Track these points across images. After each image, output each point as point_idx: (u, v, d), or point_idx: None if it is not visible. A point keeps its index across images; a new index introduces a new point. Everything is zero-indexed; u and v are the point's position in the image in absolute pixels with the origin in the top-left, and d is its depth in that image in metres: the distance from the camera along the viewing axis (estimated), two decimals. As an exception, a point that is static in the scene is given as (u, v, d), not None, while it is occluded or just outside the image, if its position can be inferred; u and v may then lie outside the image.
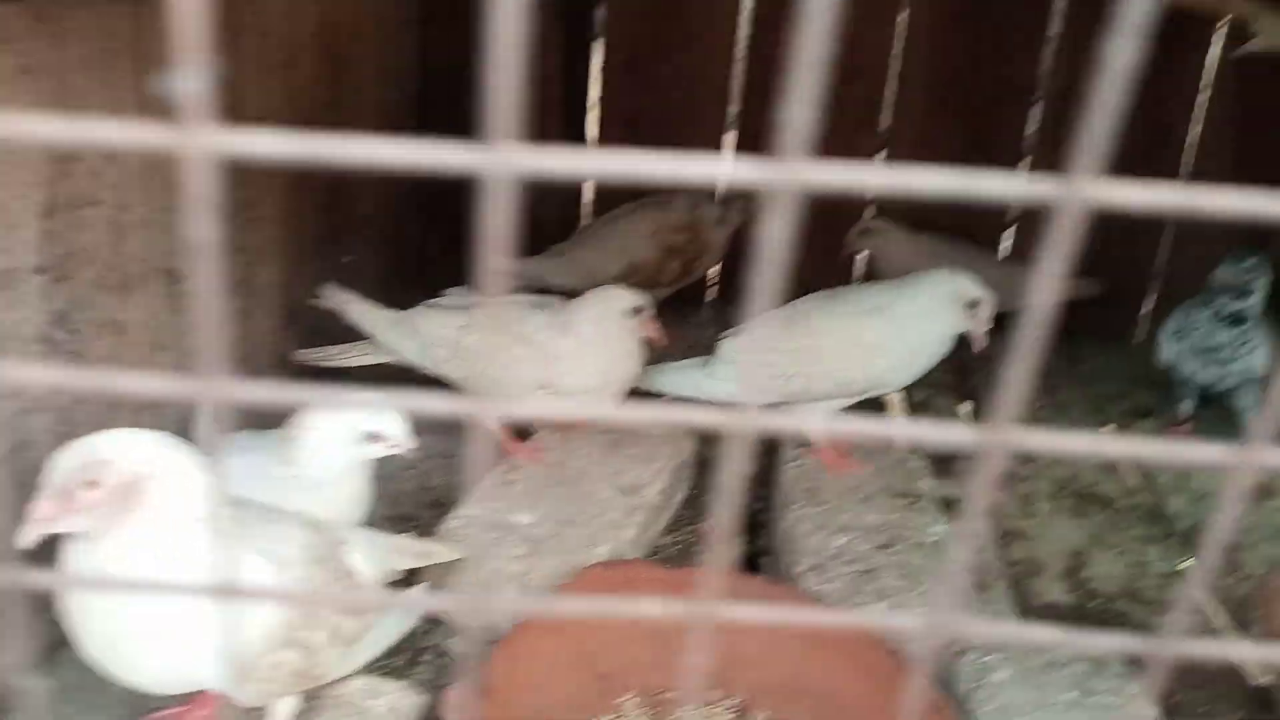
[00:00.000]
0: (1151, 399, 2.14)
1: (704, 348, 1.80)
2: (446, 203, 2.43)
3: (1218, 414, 1.95)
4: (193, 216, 0.26)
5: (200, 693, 1.07)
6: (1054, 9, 2.30)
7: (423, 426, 1.84)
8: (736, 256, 2.41)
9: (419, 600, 0.43)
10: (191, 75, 0.24)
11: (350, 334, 1.67)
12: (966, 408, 2.15)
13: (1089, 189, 0.24)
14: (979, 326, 1.56)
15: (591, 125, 2.50)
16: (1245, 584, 1.57)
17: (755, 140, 2.42)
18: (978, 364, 2.23)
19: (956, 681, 1.23)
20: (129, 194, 1.25)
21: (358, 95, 1.91)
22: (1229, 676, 1.40)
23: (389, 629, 1.18)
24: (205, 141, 0.25)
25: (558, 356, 1.51)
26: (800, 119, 0.24)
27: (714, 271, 2.54)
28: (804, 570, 1.41)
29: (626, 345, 1.54)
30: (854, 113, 2.37)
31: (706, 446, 1.81)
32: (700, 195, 2.28)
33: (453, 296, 1.63)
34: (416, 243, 2.39)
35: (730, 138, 2.46)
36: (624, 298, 1.55)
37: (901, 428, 0.30)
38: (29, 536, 0.83)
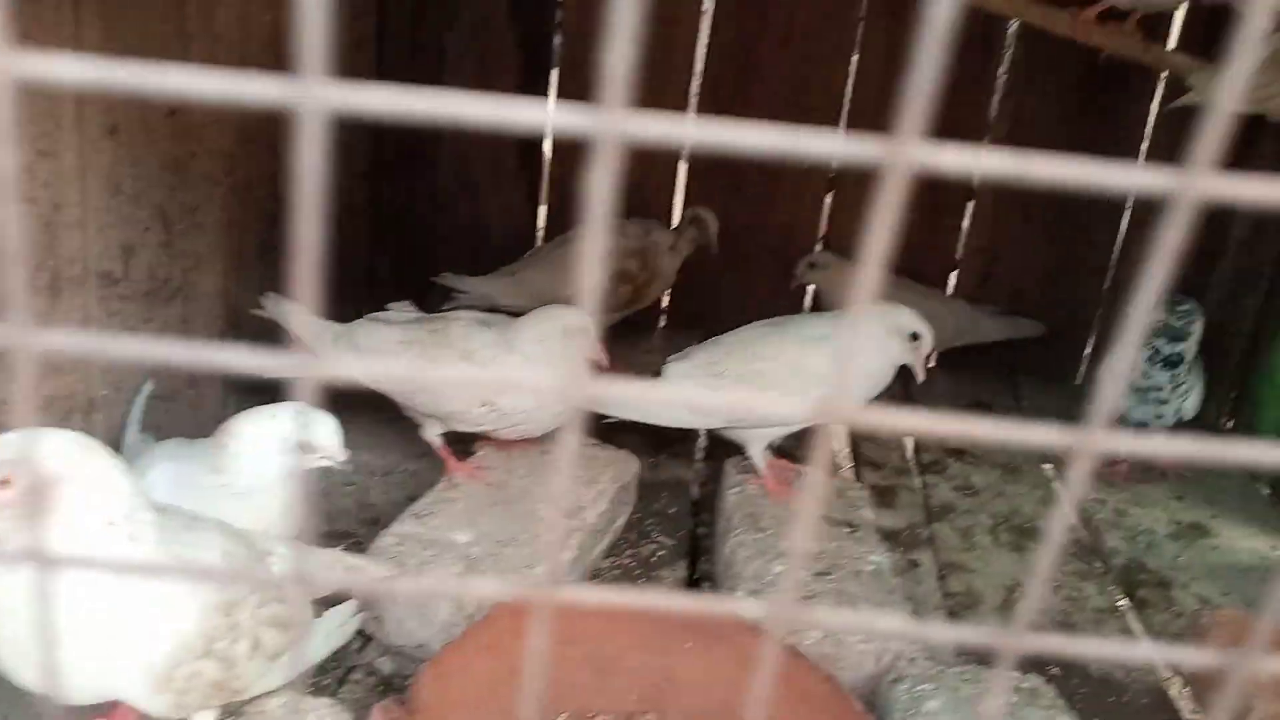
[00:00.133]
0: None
1: (653, 373, 1.80)
2: (396, 215, 2.42)
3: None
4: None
5: (115, 703, 1.03)
6: (1002, 54, 2.36)
7: (363, 443, 1.82)
8: (688, 285, 2.42)
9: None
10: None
11: (294, 345, 1.64)
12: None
13: (913, 151, 0.24)
14: (919, 359, 1.58)
15: (547, 152, 2.51)
16: (1179, 621, 1.59)
17: (710, 168, 2.44)
18: (921, 397, 2.26)
19: (890, 711, 1.23)
20: (64, 192, 1.22)
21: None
22: (1162, 707, 1.41)
23: (317, 645, 1.15)
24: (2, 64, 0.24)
25: (500, 374, 1.49)
26: (619, 66, 0.24)
27: (665, 299, 2.54)
28: (742, 596, 1.40)
29: (570, 365, 1.53)
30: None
31: (648, 470, 1.80)
32: (653, 222, 2.29)
33: (395, 311, 1.61)
34: (365, 255, 2.37)
35: (683, 167, 2.48)
36: (569, 317, 1.54)
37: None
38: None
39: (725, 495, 1.64)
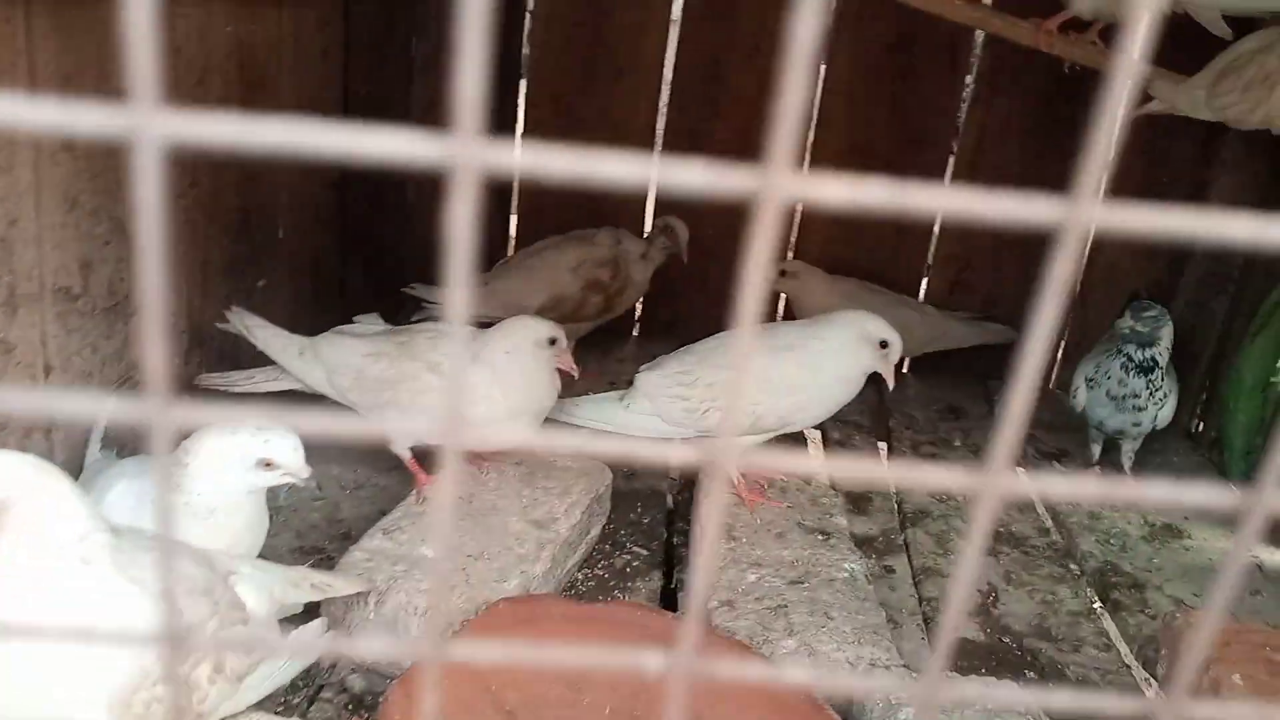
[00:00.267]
0: (1064, 442, 2.18)
1: (626, 382, 1.79)
2: (367, 227, 2.40)
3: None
4: None
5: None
6: (969, 63, 2.37)
7: (332, 457, 1.80)
8: (660, 293, 2.42)
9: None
10: None
11: (261, 359, 1.62)
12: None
13: (785, 184, 0.24)
14: (889, 367, 1.58)
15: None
16: (1153, 623, 1.59)
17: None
18: (894, 405, 2.26)
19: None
20: (20, 207, 1.20)
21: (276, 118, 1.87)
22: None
23: (284, 665, 1.13)
24: None
25: (468, 386, 1.48)
26: (470, 93, 0.23)
27: (638, 308, 2.54)
28: (716, 606, 1.39)
29: (540, 376, 1.52)
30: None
31: (623, 480, 1.79)
32: (624, 231, 2.28)
33: (361, 323, 1.59)
34: (335, 269, 2.34)
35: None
36: (538, 328, 1.53)
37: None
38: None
39: (700, 504, 1.63)
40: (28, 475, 0.83)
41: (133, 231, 1.43)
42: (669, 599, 1.58)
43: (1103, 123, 0.23)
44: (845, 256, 2.42)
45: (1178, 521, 1.91)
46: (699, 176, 0.24)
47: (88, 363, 1.39)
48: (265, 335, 1.55)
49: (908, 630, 1.52)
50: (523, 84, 2.44)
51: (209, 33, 1.59)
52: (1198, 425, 2.31)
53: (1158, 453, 2.13)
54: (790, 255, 2.46)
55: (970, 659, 1.48)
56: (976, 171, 2.40)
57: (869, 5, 2.30)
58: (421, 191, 2.46)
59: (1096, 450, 2.04)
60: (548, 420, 1.62)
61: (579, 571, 1.58)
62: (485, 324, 1.62)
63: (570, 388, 1.65)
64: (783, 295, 2.43)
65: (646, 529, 1.72)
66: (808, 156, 2.43)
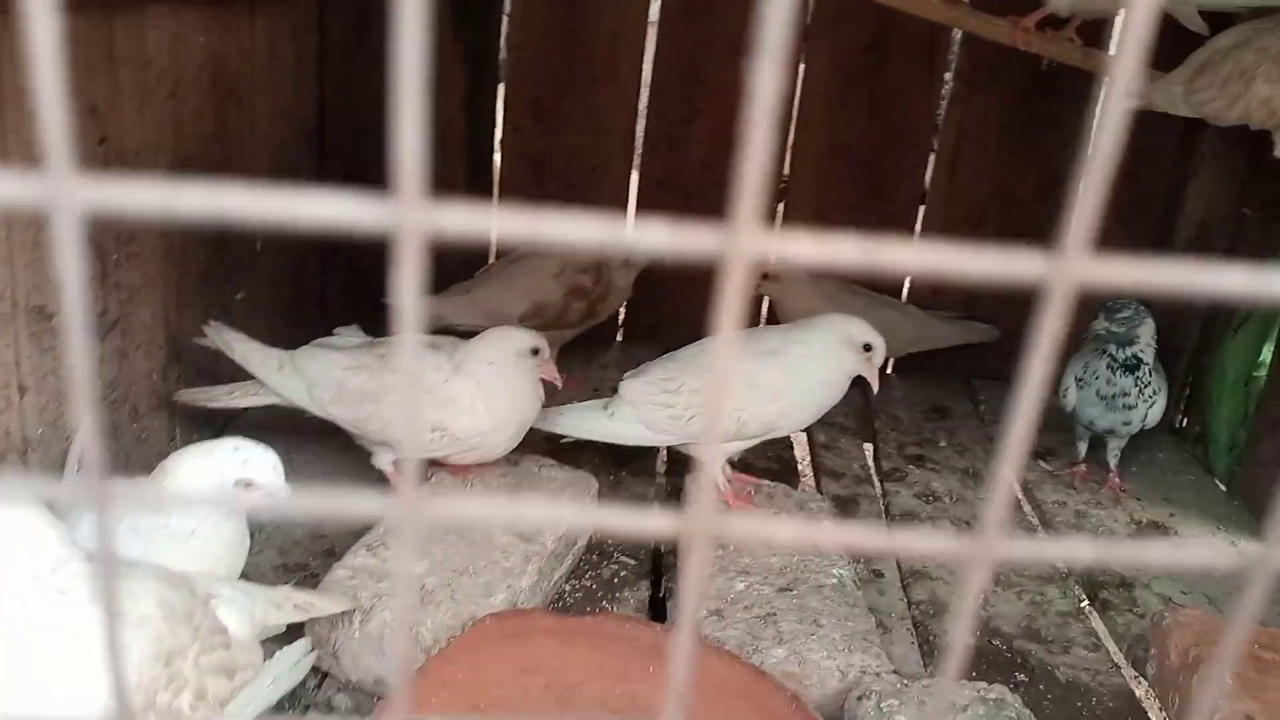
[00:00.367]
0: (1049, 440, 2.18)
1: (610, 389, 1.78)
2: (345, 238, 2.38)
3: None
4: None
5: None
6: (946, 61, 2.37)
7: (313, 472, 1.78)
8: (643, 298, 2.41)
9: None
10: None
11: (240, 374, 1.60)
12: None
13: (752, 242, 0.23)
14: (873, 370, 1.57)
15: (496, 166, 2.48)
16: (1142, 622, 1.59)
17: (660, 181, 2.43)
18: (880, 407, 2.26)
19: (857, 727, 1.21)
20: (-11, 226, 1.18)
21: (250, 130, 1.85)
22: (1130, 710, 1.41)
23: (269, 687, 1.11)
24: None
25: (451, 398, 1.47)
26: (410, 158, 0.22)
27: (622, 313, 2.52)
28: (705, 615, 1.38)
29: (523, 387, 1.51)
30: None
31: (608, 488, 1.78)
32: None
33: (341, 336, 1.58)
34: (314, 280, 2.32)
35: (634, 179, 2.46)
36: (520, 338, 1.52)
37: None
38: None
39: (685, 511, 1.62)
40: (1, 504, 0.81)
41: (109, 259, 1.41)
42: (657, 608, 1.57)
43: (1091, 174, 0.22)
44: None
45: (1164, 519, 1.92)
46: (664, 237, 0.23)
47: (62, 382, 1.36)
48: (244, 349, 1.53)
49: (898, 635, 1.51)
50: (500, 88, 2.43)
51: (181, 44, 1.57)
52: (1182, 420, 2.32)
53: (1143, 449, 2.13)
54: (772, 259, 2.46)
55: (959, 661, 1.47)
56: (956, 170, 2.40)
57: (845, 6, 2.30)
58: (400, 199, 2.44)
59: (1083, 448, 2.04)
60: (532, 430, 1.61)
61: (566, 583, 1.56)
62: (468, 334, 1.61)
63: (554, 395, 1.64)
64: (765, 298, 2.42)
65: (633, 538, 1.70)
66: (788, 158, 2.42)
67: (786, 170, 2.44)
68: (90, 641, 0.84)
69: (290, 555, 1.58)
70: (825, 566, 1.49)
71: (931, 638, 1.52)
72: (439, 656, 1.20)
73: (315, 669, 1.30)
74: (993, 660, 1.48)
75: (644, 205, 2.44)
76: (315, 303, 2.29)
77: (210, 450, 1.09)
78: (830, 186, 2.40)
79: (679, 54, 2.36)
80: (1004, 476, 0.26)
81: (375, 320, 2.26)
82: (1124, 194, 2.38)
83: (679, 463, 1.89)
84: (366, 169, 2.35)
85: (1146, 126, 2.24)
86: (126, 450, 1.56)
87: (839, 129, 2.38)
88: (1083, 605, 1.66)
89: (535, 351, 1.51)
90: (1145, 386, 1.87)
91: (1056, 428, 2.17)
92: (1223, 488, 2.09)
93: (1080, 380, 1.93)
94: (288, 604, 1.16)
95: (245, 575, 1.26)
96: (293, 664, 1.16)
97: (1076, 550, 0.27)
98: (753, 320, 2.50)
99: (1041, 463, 2.09)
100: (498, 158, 2.47)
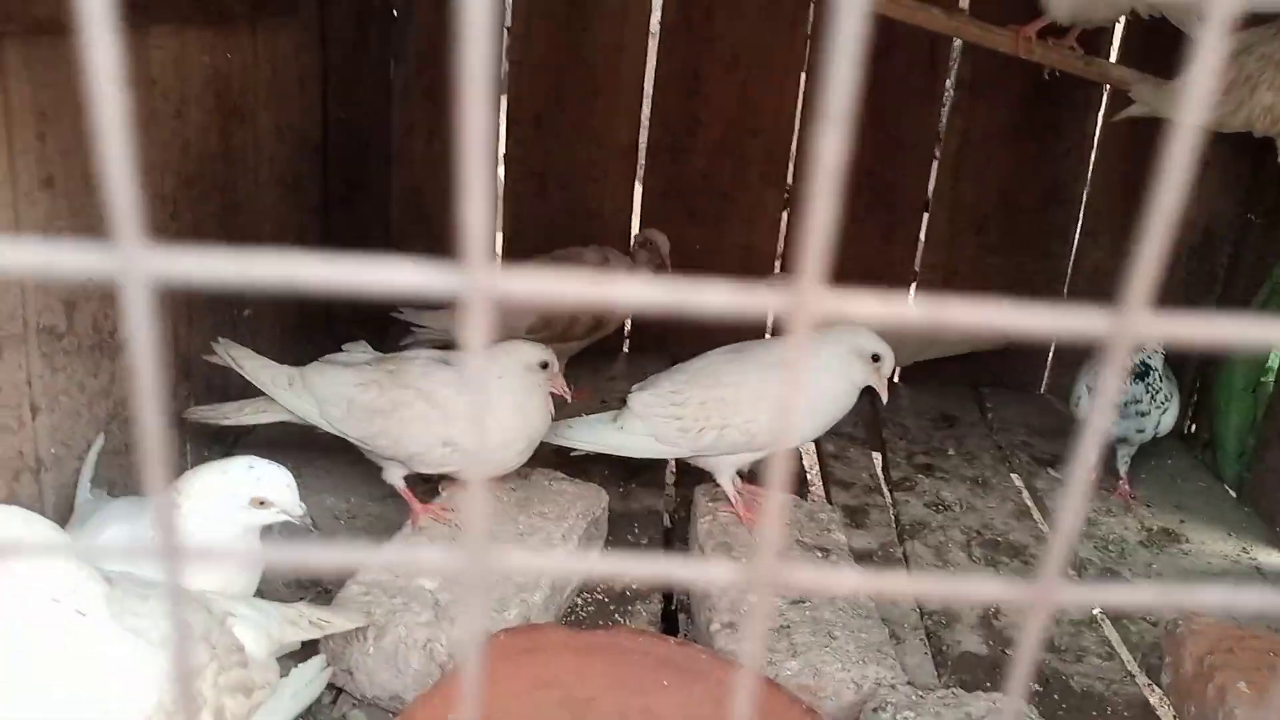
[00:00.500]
0: (1058, 447, 2.18)
1: (618, 401, 1.77)
2: (350, 249, 2.38)
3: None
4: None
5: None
6: (948, 70, 2.38)
7: (325, 487, 1.78)
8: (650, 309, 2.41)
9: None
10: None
11: (250, 390, 1.60)
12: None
13: (816, 301, 0.23)
14: (882, 380, 1.57)
15: (500, 179, 2.49)
16: (1155, 630, 1.59)
17: (663, 192, 2.43)
18: (888, 415, 2.25)
19: (874, 739, 1.21)
20: None
21: (255, 147, 1.86)
22: (1145, 718, 1.41)
23: (285, 704, 1.11)
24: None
25: (461, 413, 1.47)
26: (477, 225, 0.22)
27: (628, 325, 2.53)
28: (719, 628, 1.37)
29: (533, 401, 1.51)
30: (759, 169, 2.40)
31: (618, 500, 1.78)
32: (610, 249, 2.27)
33: (349, 352, 1.57)
34: (321, 296, 2.33)
35: (638, 190, 2.47)
36: (529, 352, 1.52)
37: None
38: None
39: (697, 523, 1.62)
40: (17, 529, 0.81)
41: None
42: (669, 620, 1.57)
43: (1153, 232, 0.22)
44: (832, 267, 2.41)
45: (1174, 526, 1.91)
46: (727, 299, 0.23)
47: (74, 401, 1.37)
48: (253, 366, 1.53)
49: (911, 645, 1.51)
50: (503, 101, 2.43)
51: (184, 64, 1.57)
52: (1190, 426, 2.32)
53: (1152, 456, 2.13)
54: (778, 268, 2.46)
55: (973, 672, 1.47)
56: (959, 177, 2.41)
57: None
58: (404, 214, 2.45)
59: (1093, 455, 2.04)
60: (542, 443, 1.60)
61: (578, 596, 1.56)
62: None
63: (562, 407, 1.64)
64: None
65: (645, 550, 1.70)
66: (791, 168, 2.43)
67: (790, 180, 2.44)
68: (109, 661, 0.84)
69: (303, 571, 1.58)
70: (838, 577, 1.48)
71: (944, 648, 1.52)
72: (454, 674, 1.20)
73: (330, 685, 1.29)
74: (1007, 670, 1.48)
75: (647, 216, 2.45)
76: (322, 318, 2.29)
77: (224, 469, 1.09)
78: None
79: (680, 66, 2.37)
80: (1065, 523, 0.26)
81: (382, 335, 2.27)
82: (1126, 202, 2.38)
83: (688, 474, 1.89)
84: (369, 183, 2.36)
85: (1149, 134, 2.25)
86: (138, 468, 1.55)
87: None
88: (1095, 613, 1.66)
89: (544, 365, 1.51)
90: (1157, 393, 1.87)
91: (1066, 435, 2.17)
92: (1232, 494, 2.09)
93: (1092, 388, 1.93)
94: (303, 621, 1.16)
95: (259, 592, 1.26)
96: (308, 681, 1.16)
97: (1136, 595, 0.27)
98: (759, 331, 2.51)
99: (1051, 470, 2.09)
100: (501, 171, 2.48)
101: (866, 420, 2.25)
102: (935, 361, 2.36)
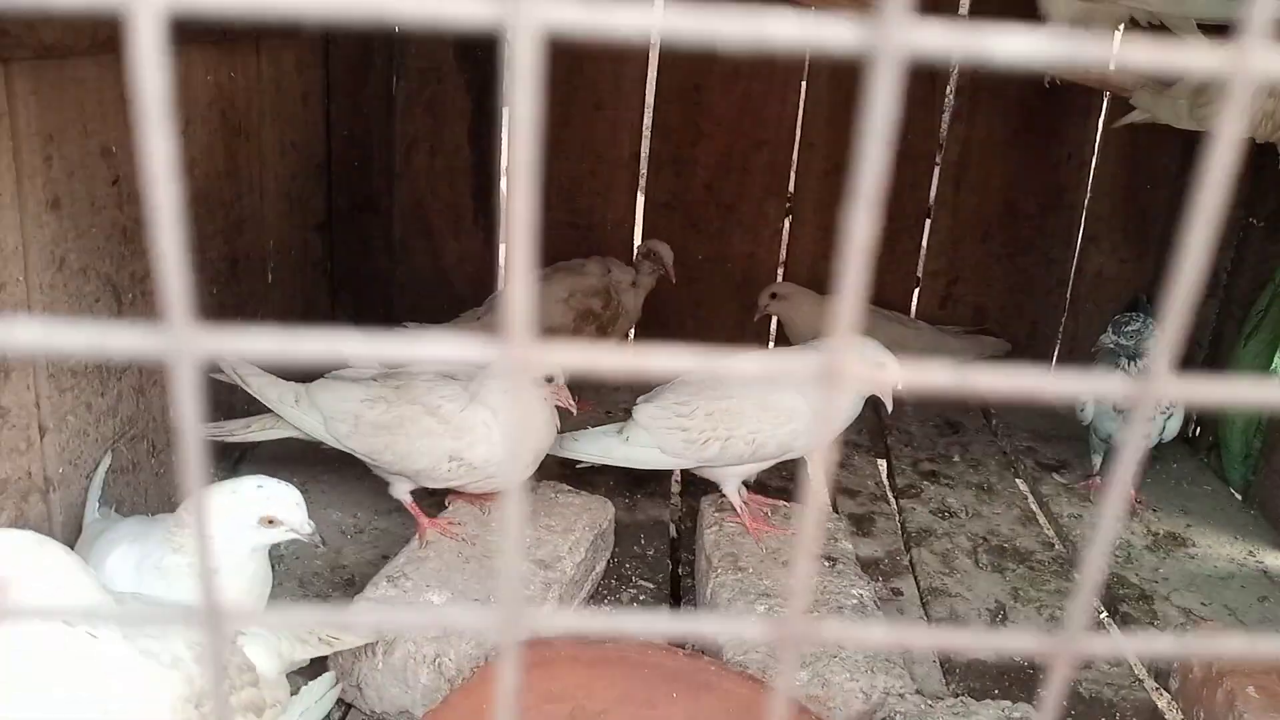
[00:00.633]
0: (1063, 453, 2.18)
1: (623, 412, 1.78)
2: (355, 267, 2.39)
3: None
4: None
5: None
6: (947, 77, 2.38)
7: (331, 502, 1.78)
8: (652, 319, 2.42)
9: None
10: None
11: (256, 407, 1.61)
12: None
13: (855, 373, 0.24)
14: (887, 390, 1.57)
15: (503, 190, 2.49)
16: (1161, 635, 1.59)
17: (665, 204, 2.44)
18: (892, 422, 2.26)
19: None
20: (7, 271, 1.18)
21: (260, 164, 1.87)
22: (1150, 729, 1.40)
23: None
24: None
25: (467, 428, 1.47)
26: (519, 307, 0.23)
27: (632, 336, 2.53)
28: (726, 640, 1.38)
29: (538, 415, 1.51)
30: (761, 180, 2.41)
31: (624, 511, 1.78)
32: (613, 259, 2.28)
33: (354, 368, 1.58)
34: (325, 311, 2.34)
35: (640, 201, 2.48)
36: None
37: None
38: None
39: (703, 534, 1.63)
40: (28, 551, 0.82)
41: (124, 298, 1.42)
42: (677, 632, 1.57)
43: (1177, 296, 0.23)
44: (834, 275, 2.42)
45: (1181, 530, 1.91)
46: (759, 368, 0.24)
47: (82, 420, 1.37)
48: (260, 383, 1.54)
49: (919, 654, 1.51)
50: (505, 114, 2.44)
51: (189, 82, 1.59)
52: (1195, 430, 2.32)
53: (1157, 460, 2.13)
54: (780, 277, 2.47)
55: (982, 679, 1.47)
56: (960, 185, 2.41)
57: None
58: (408, 229, 2.46)
59: (1098, 461, 2.04)
60: (548, 456, 1.61)
61: (586, 608, 1.56)
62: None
63: (567, 419, 1.64)
64: (774, 317, 2.42)
65: (652, 561, 1.71)
66: (793, 177, 2.43)
67: (791, 189, 2.45)
68: (121, 683, 0.84)
69: (311, 587, 1.58)
70: (845, 587, 1.49)
71: (953, 656, 1.52)
72: (463, 689, 1.20)
73: (340, 701, 1.30)
74: (1015, 678, 1.48)
75: (649, 227, 2.45)
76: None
77: (234, 489, 1.10)
78: (836, 204, 2.41)
79: (681, 77, 2.37)
80: (1089, 579, 0.27)
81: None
82: (1127, 206, 2.39)
83: (694, 485, 1.89)
84: (372, 198, 2.37)
85: (1149, 140, 2.26)
86: (145, 486, 1.56)
87: (842, 148, 2.39)
88: (1102, 618, 1.66)
89: (549, 379, 1.52)
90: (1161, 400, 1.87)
91: (1070, 440, 2.17)
92: (1238, 497, 2.09)
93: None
94: (312, 639, 1.16)
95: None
96: (318, 698, 1.17)
97: (1155, 644, 0.28)
98: (761, 339, 2.51)
99: (1056, 476, 2.09)
100: (504, 184, 2.49)
101: (871, 428, 2.25)
102: (939, 368, 2.37)
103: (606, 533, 1.64)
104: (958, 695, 1.34)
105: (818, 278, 2.40)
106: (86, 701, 0.81)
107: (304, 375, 1.61)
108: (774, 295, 2.29)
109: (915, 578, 1.73)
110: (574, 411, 1.57)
